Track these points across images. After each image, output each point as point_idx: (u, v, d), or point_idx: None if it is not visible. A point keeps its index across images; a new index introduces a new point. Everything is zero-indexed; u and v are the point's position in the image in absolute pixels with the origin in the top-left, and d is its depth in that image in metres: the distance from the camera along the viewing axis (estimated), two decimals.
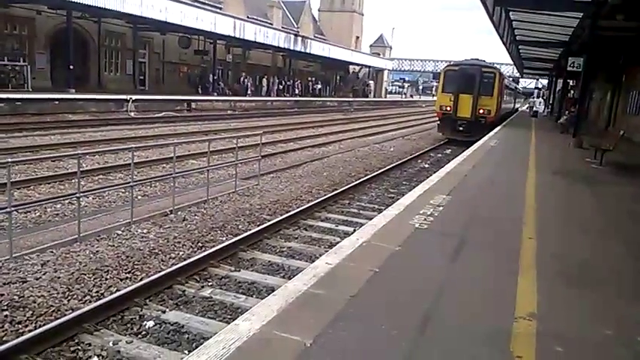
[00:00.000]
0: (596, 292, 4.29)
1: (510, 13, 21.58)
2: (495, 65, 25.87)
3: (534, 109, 40.54)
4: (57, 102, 20.50)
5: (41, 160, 10.73)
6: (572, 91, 34.91)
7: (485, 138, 17.18)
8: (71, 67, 23.75)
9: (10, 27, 25.50)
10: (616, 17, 14.57)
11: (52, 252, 6.09)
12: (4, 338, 4.27)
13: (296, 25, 55.85)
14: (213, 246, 6.71)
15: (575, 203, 8.28)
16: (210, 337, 3.11)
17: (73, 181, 8.92)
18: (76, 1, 21.56)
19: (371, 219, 6.47)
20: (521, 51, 33.99)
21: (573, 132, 17.99)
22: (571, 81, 33.53)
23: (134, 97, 23.86)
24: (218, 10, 34.06)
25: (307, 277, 3.96)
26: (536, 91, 62.42)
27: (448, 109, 21.27)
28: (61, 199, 7.72)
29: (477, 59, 23.23)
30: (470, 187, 8.63)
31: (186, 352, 4.16)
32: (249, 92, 38.61)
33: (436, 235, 5.47)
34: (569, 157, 14.51)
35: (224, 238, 7.18)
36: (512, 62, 48.70)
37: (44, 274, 5.48)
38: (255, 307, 3.49)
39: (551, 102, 43.89)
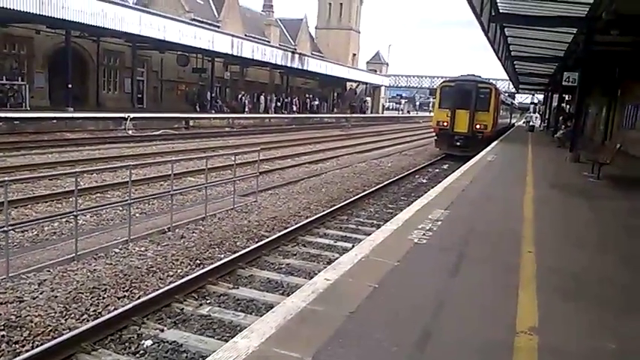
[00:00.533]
0: (596, 306, 4.27)
1: (505, 29, 21.84)
2: (491, 81, 26.09)
3: (531, 123, 40.87)
4: (55, 121, 20.57)
5: (38, 178, 10.72)
6: (567, 106, 35.18)
7: (483, 153, 17.24)
8: (69, 85, 23.87)
9: (9, 46, 25.71)
10: (610, 32, 14.74)
11: (49, 271, 6.05)
12: (1, 359, 4.22)
13: (293, 43, 56.40)
14: (212, 263, 6.68)
15: (573, 217, 8.29)
16: (209, 355, 3.08)
17: (70, 199, 8.89)
18: (75, 20, 21.73)
19: (369, 234, 6.46)
20: (516, 66, 34.31)
21: (570, 146, 18.07)
22: (567, 96, 33.81)
23: (132, 115, 23.95)
24: (216, 29, 34.40)
25: (306, 293, 3.93)
26: (532, 106, 62.81)
27: (445, 124, 21.41)
28: (58, 217, 7.68)
29: (473, 75, 23.44)
30: (468, 202, 8.64)
31: None
32: (246, 109, 38.79)
33: (435, 249, 5.46)
34: (566, 171, 14.56)
35: (222, 256, 7.15)
36: (508, 78, 49.08)
37: (41, 294, 5.44)
38: (253, 324, 3.47)
39: (547, 117, 44.14)
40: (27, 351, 4.31)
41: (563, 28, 18.08)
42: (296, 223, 8.99)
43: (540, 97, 61.17)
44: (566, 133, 22.23)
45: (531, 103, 67.54)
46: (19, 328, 4.68)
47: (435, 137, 22.97)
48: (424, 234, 5.98)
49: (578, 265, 5.42)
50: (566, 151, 17.77)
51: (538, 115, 48.87)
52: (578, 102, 20.46)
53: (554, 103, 36.45)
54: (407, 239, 5.72)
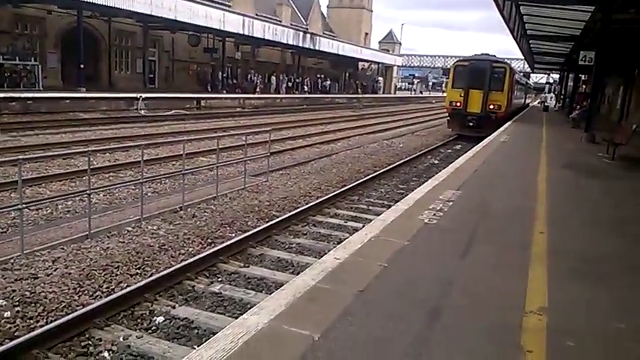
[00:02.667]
0: (607, 287, 4.24)
1: (521, 7, 21.37)
2: (506, 60, 25.66)
3: (545, 103, 40.38)
4: (68, 101, 20.67)
5: (52, 157, 10.81)
6: (583, 86, 34.58)
7: (496, 133, 17.06)
8: (82, 66, 23.90)
9: (22, 26, 25.76)
10: (628, 10, 14.36)
11: (62, 248, 6.15)
12: (16, 333, 4.31)
13: (305, 22, 55.79)
14: (223, 242, 6.73)
15: (587, 198, 8.20)
16: (219, 331, 3.11)
17: (83, 178, 8.98)
18: (87, 0, 21.66)
19: (380, 215, 6.45)
20: (532, 45, 33.67)
21: (585, 126, 17.80)
22: (583, 75, 33.22)
23: (144, 95, 23.99)
24: (227, 8, 34.11)
25: (315, 271, 3.95)
26: (547, 86, 61.93)
27: (458, 104, 21.16)
28: (72, 196, 7.76)
29: (487, 54, 23.05)
30: (480, 183, 8.57)
31: (195, 346, 4.18)
32: (258, 90, 38.66)
33: (445, 230, 5.44)
34: (580, 151, 14.36)
35: (233, 235, 7.20)
36: (523, 57, 48.26)
37: (55, 271, 5.53)
38: (263, 301, 3.50)
39: (562, 96, 43.47)
40: (41, 326, 4.40)
41: (580, 7, 17.64)
42: (306, 203, 9.01)
43: (556, 76, 60.18)
44: (581, 113, 21.88)
45: (547, 82, 66.64)
46: (33, 304, 4.78)
47: (448, 117, 22.74)
48: (435, 214, 5.95)
49: (590, 246, 5.38)
50: (581, 132, 17.52)
51: (553, 95, 48.18)
52: (594, 82, 20.09)
53: (570, 83, 35.85)
54: (417, 219, 5.70)
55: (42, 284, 5.17)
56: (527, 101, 45.28)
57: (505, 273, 4.37)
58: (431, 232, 5.33)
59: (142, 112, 22.72)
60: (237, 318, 3.84)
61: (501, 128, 18.99)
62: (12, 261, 5.64)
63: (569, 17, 20.17)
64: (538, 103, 47.63)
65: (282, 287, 3.73)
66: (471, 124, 20.99)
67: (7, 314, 4.57)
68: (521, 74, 41.34)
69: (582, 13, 18.79)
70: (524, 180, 9.03)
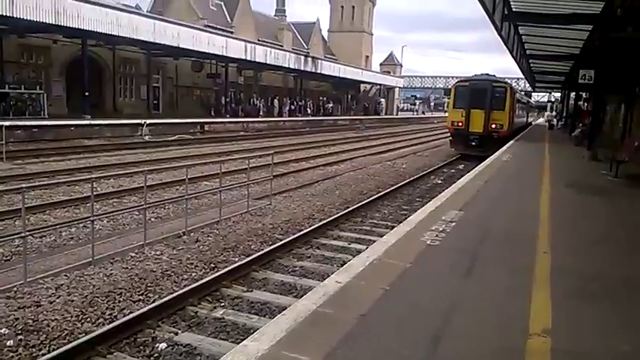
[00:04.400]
0: (612, 307, 4.20)
1: (519, 27, 21.64)
2: (506, 80, 25.83)
3: (552, 122, 41.01)
4: (72, 128, 20.88)
5: (56, 184, 10.89)
6: (585, 104, 34.65)
7: (498, 153, 17.08)
8: (86, 93, 24.22)
9: (27, 56, 26.19)
10: (626, 29, 14.50)
11: (66, 276, 6.15)
12: None
13: (306, 47, 56.51)
14: (226, 266, 6.72)
15: (590, 216, 8.16)
16: (221, 357, 3.09)
17: (87, 204, 9.01)
18: (91, 29, 22.07)
19: (383, 236, 6.44)
20: (532, 65, 33.96)
21: (587, 144, 17.80)
22: (584, 93, 33.33)
23: (148, 121, 24.22)
24: (229, 34, 34.64)
25: (317, 296, 3.93)
26: (549, 104, 62.13)
27: (460, 124, 21.26)
28: (76, 223, 7.79)
29: (488, 74, 23.23)
30: (483, 203, 8.56)
31: None
32: (261, 113, 38.96)
33: (448, 251, 5.42)
34: (583, 169, 14.34)
35: (236, 259, 7.19)
36: (523, 76, 48.57)
37: (58, 298, 5.53)
38: (264, 327, 3.48)
39: (564, 115, 43.57)
40: (43, 354, 4.38)
41: (579, 26, 17.86)
42: (310, 226, 9.00)
43: (557, 95, 60.40)
44: (584, 131, 21.91)
45: (548, 101, 66.86)
46: (35, 332, 4.77)
47: (450, 137, 22.81)
48: (437, 235, 5.94)
49: (594, 266, 5.34)
50: (583, 150, 17.53)
51: (555, 114, 48.39)
52: (594, 100, 20.19)
53: (572, 101, 35.97)
54: (420, 241, 5.69)
55: (45, 312, 5.17)
56: (530, 120, 45.40)
57: (508, 294, 4.33)
58: (433, 253, 5.31)
59: (147, 137, 22.91)
60: (239, 343, 3.83)
61: (504, 147, 19.01)
62: (15, 289, 5.65)
63: (568, 36, 20.40)
64: (545, 121, 47.90)
65: (283, 312, 3.71)
66: (473, 143, 21.06)
67: (9, 342, 4.56)
68: (523, 93, 41.51)
69: (581, 32, 19.01)
70: (527, 199, 9.01)
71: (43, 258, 6.76)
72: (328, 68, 45.31)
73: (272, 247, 7.62)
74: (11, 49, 25.06)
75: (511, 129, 22.74)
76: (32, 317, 5.03)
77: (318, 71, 42.90)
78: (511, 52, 25.91)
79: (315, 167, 17.18)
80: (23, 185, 6.28)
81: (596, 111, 21.29)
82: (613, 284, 4.78)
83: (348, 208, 10.63)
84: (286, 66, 38.25)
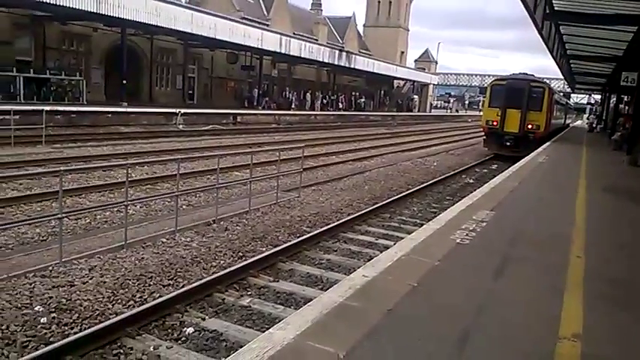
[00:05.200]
0: None
1: (560, 27, 21.03)
2: (545, 80, 25.22)
3: (593, 124, 40.15)
4: (110, 115, 21.41)
5: (93, 169, 11.18)
6: (626, 107, 33.57)
7: (534, 154, 16.70)
8: (124, 81, 24.78)
9: (68, 43, 26.94)
10: None
11: (99, 257, 6.31)
12: (51, 339, 4.43)
13: (341, 41, 56.37)
14: (254, 256, 6.78)
15: (627, 223, 7.90)
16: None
17: (122, 190, 9.24)
18: (131, 19, 22.52)
19: (411, 233, 6.38)
20: (572, 65, 33.00)
21: (627, 149, 17.24)
22: (625, 96, 32.27)
23: (183, 110, 24.60)
24: (265, 27, 34.82)
25: (343, 288, 3.93)
26: (588, 106, 60.43)
27: (495, 123, 20.86)
28: (110, 207, 7.98)
29: (526, 74, 22.71)
30: (515, 204, 8.39)
31: (222, 359, 4.21)
32: (293, 106, 39.11)
33: (478, 250, 5.33)
34: (622, 174, 13.90)
35: (264, 249, 7.25)
36: (562, 77, 47.30)
37: (91, 279, 5.68)
38: (290, 316, 3.50)
39: (604, 118, 42.32)
40: (75, 333, 4.51)
41: (622, 27, 17.23)
42: (338, 220, 9.00)
43: (598, 97, 58.67)
44: (623, 134, 21.22)
45: (588, 103, 65.01)
46: (68, 311, 4.91)
47: (484, 137, 22.42)
48: (467, 234, 5.85)
49: (629, 273, 5.18)
50: (622, 154, 16.98)
51: (595, 116, 47.07)
52: (636, 103, 19.48)
53: (612, 104, 34.91)
54: (449, 239, 5.62)
55: (78, 292, 5.31)
56: (568, 121, 44.25)
57: (539, 297, 4.24)
58: (463, 252, 5.24)
59: (181, 126, 23.29)
60: (264, 332, 3.86)
61: (540, 148, 18.58)
62: (50, 268, 5.83)
63: (611, 37, 19.71)
64: (586, 123, 46.67)
65: (310, 303, 3.72)
66: (508, 143, 20.65)
67: (43, 320, 4.71)
68: (561, 94, 40.48)
69: (624, 34, 18.34)
70: (561, 202, 8.79)
71: (77, 240, 6.95)
72: (362, 63, 45.10)
73: (299, 239, 7.66)
74: (53, 35, 25.81)
75: (548, 130, 22.19)
76: (66, 296, 5.18)
77: (352, 66, 42.76)
78: (551, 52, 25.21)
79: (345, 162, 17.14)
80: (61, 168, 6.47)
81: (638, 114, 20.58)
82: None
83: (376, 203, 10.58)
84: (320, 60, 38.27)
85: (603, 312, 4.01)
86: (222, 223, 8.35)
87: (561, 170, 13.89)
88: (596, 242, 6.16)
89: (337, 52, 41.27)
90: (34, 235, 7.13)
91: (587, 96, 67.88)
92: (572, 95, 63.51)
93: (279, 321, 4.36)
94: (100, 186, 10.22)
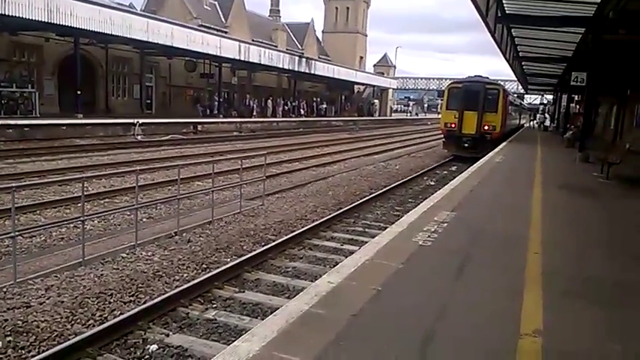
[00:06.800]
0: (602, 308, 4.21)
1: (512, 30, 21.73)
2: (499, 82, 25.96)
3: (545, 123, 41.53)
4: (64, 127, 20.74)
5: (47, 184, 10.81)
6: (577, 106, 34.91)
7: (491, 154, 17.15)
8: (79, 92, 24.08)
9: (19, 54, 25.99)
10: (618, 31, 14.60)
11: (56, 276, 6.10)
12: None
13: (300, 47, 56.53)
14: (218, 267, 6.69)
15: (582, 218, 8.21)
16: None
17: (78, 204, 8.95)
18: (84, 28, 21.94)
19: (375, 237, 6.44)
20: (524, 67, 34.12)
21: (579, 146, 17.92)
22: (576, 96, 33.57)
23: (141, 120, 24.11)
24: (223, 34, 34.56)
25: (309, 296, 3.92)
26: (541, 106, 62.52)
27: (453, 125, 21.32)
28: (66, 222, 7.72)
29: (480, 76, 23.33)
30: (475, 204, 8.59)
31: None
32: (254, 114, 38.91)
33: (440, 252, 5.43)
34: (575, 171, 14.43)
35: (228, 259, 7.16)
36: (516, 78, 48.82)
37: (48, 299, 5.47)
38: (255, 327, 3.47)
39: (556, 117, 43.87)
40: (33, 356, 4.34)
41: (571, 28, 17.95)
42: (302, 227, 8.98)
43: (550, 97, 60.79)
44: (575, 133, 22.05)
45: (540, 103, 67.28)
46: (25, 334, 4.72)
47: (443, 139, 22.88)
48: (429, 236, 5.95)
49: (585, 267, 5.37)
50: (575, 152, 17.63)
51: (547, 116, 48.67)
52: (587, 102, 20.31)
53: (564, 103, 36.22)
54: (412, 241, 5.70)
55: (34, 313, 5.12)
56: (522, 122, 45.65)
57: (500, 295, 4.35)
58: (425, 254, 5.32)
59: (139, 137, 22.80)
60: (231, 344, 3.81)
61: (496, 149, 19.11)
62: (4, 290, 5.59)
63: (561, 39, 20.50)
64: (536, 123, 48.09)
65: (275, 313, 3.70)
66: (466, 145, 21.13)
67: None
68: (515, 95, 41.75)
69: (573, 35, 19.12)
70: (519, 200, 9.05)
71: (32, 258, 6.69)
72: (322, 69, 45.33)
73: (264, 247, 7.60)
74: (3, 46, 24.87)
75: (504, 131, 22.85)
76: (22, 318, 4.98)
77: (312, 72, 42.91)
78: (504, 54, 26.02)
79: (309, 168, 17.16)
80: (13, 184, 6.23)
81: (588, 113, 21.45)
82: (603, 285, 4.80)
83: (340, 209, 10.62)
84: (280, 66, 38.23)
85: (562, 307, 4.14)
86: (184, 234, 8.21)
87: (518, 169, 14.30)
88: (552, 238, 6.36)
89: (297, 58, 41.35)
90: None
91: (540, 96, 70.28)
92: (525, 96, 65.60)
93: (246, 332, 4.32)
94: (56, 201, 9.88)
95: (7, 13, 18.69)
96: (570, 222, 7.82)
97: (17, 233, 6.03)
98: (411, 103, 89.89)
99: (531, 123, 57.19)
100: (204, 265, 6.93)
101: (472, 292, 4.37)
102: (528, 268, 5.02)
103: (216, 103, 35.10)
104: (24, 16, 19.39)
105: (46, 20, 20.22)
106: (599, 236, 6.96)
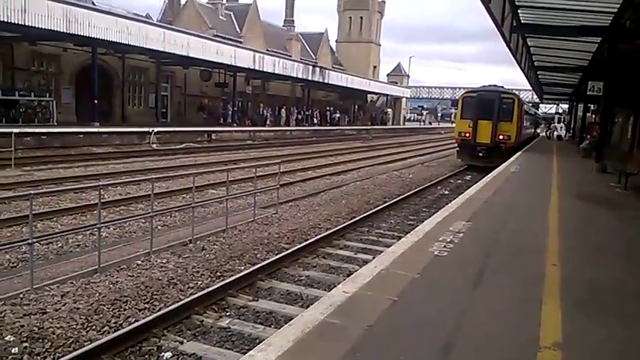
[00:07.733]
0: (621, 320, 4.13)
1: (527, 39, 21.62)
2: (514, 91, 25.81)
3: (556, 133, 40.71)
4: (81, 135, 21.01)
5: (64, 191, 10.93)
6: (593, 116, 34.51)
7: (506, 164, 16.99)
8: (96, 101, 24.41)
9: (38, 63, 26.44)
10: (635, 41, 14.46)
11: (72, 283, 6.13)
12: None
13: (314, 57, 56.78)
14: (232, 275, 6.68)
15: (600, 228, 8.08)
16: None
17: (95, 212, 9.03)
18: (101, 38, 22.28)
19: (390, 246, 6.39)
20: (540, 76, 33.90)
21: (596, 156, 17.70)
22: (592, 105, 33.20)
23: (156, 129, 24.34)
24: (238, 44, 34.86)
25: (324, 306, 3.90)
26: (556, 116, 61.98)
27: (467, 135, 21.20)
28: (82, 230, 7.79)
29: (495, 85, 23.22)
30: (490, 214, 8.50)
31: None
32: (268, 122, 39.09)
33: (456, 262, 5.37)
34: (592, 181, 14.24)
35: (242, 268, 7.16)
36: (531, 88, 48.50)
37: (64, 305, 5.50)
38: (271, 337, 3.45)
39: (572, 126, 43.43)
40: None
41: (587, 38, 17.82)
42: (316, 235, 8.96)
43: (565, 106, 60.26)
44: (592, 143, 21.78)
45: (556, 113, 66.71)
46: (41, 340, 4.74)
47: (457, 148, 22.75)
48: (445, 246, 5.89)
49: (604, 279, 5.27)
50: (592, 162, 17.41)
51: (563, 125, 48.16)
52: (603, 111, 20.06)
53: (580, 113, 35.86)
54: (427, 251, 5.64)
55: (50, 319, 5.15)
56: (537, 131, 45.26)
57: (518, 307, 4.28)
58: (441, 264, 5.26)
59: (154, 145, 23.01)
60: (245, 353, 3.79)
61: (512, 158, 18.94)
62: (21, 296, 5.64)
63: (577, 48, 20.35)
64: (549, 133, 47.51)
65: (290, 322, 3.68)
66: (480, 154, 20.98)
67: (14, 350, 4.54)
68: (530, 105, 41.45)
69: (589, 44, 18.96)
70: (535, 210, 8.94)
71: (49, 265, 6.75)
72: (336, 78, 45.45)
73: (278, 256, 7.59)
74: (22, 56, 25.34)
75: (519, 140, 22.66)
76: (38, 325, 5.01)
77: (326, 81, 43.05)
78: (519, 64, 25.87)
79: (322, 176, 17.16)
80: (31, 192, 6.29)
81: (605, 123, 21.18)
82: (623, 298, 4.71)
83: (354, 217, 10.58)
84: (294, 76, 38.42)
85: (581, 319, 4.06)
86: (198, 242, 8.23)
87: (534, 179, 14.15)
88: (570, 249, 6.27)
89: (311, 67, 41.52)
90: (4, 261, 6.89)
91: (556, 105, 69.70)
92: (540, 105, 65.14)
93: (260, 341, 4.30)
94: (72, 209, 9.98)
95: (26, 24, 19.04)
96: (588, 233, 7.70)
97: (34, 240, 6.10)
98: (424, 112, 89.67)
99: (546, 132, 56.69)
100: (218, 273, 6.92)
101: (490, 303, 4.31)
102: (546, 279, 4.94)
103: (230, 112, 35.34)
104: (43, 27, 19.75)
105: (65, 30, 20.56)
106: (618, 247, 6.84)
